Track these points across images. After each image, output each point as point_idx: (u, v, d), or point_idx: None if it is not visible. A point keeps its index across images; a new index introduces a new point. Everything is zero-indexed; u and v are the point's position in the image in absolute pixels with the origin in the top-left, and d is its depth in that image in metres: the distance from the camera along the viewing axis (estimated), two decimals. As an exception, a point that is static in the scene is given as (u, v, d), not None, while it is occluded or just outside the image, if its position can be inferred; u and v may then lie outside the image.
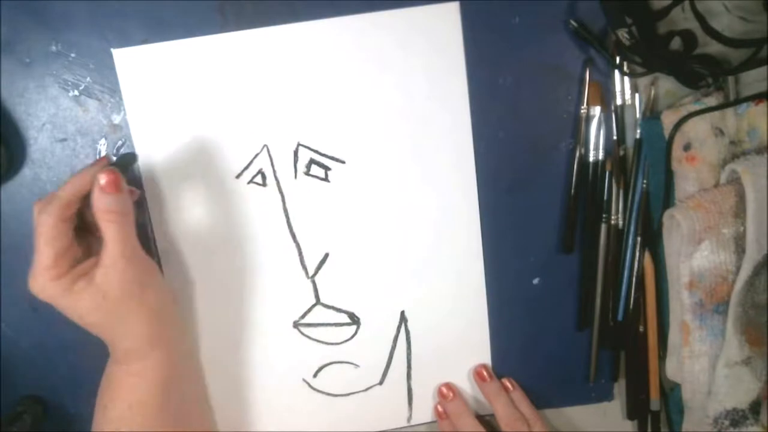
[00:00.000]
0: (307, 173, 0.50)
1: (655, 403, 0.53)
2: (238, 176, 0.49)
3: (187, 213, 0.49)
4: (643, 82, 0.49)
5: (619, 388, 0.56)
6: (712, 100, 0.47)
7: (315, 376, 0.53)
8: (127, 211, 0.42)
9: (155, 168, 0.49)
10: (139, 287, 0.43)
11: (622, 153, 0.50)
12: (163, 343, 0.45)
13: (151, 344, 0.44)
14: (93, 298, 0.41)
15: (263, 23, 0.47)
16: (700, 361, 0.49)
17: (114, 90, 0.48)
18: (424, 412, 0.55)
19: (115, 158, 0.47)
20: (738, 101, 0.47)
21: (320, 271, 0.51)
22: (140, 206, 0.49)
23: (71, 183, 0.42)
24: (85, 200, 0.42)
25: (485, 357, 0.54)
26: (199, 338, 0.52)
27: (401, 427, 0.55)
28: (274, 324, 0.52)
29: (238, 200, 0.49)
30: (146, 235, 0.50)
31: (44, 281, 0.40)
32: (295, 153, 0.49)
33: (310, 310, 0.52)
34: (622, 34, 0.45)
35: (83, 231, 0.43)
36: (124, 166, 0.45)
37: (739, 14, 0.46)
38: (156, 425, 0.45)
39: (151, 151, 0.48)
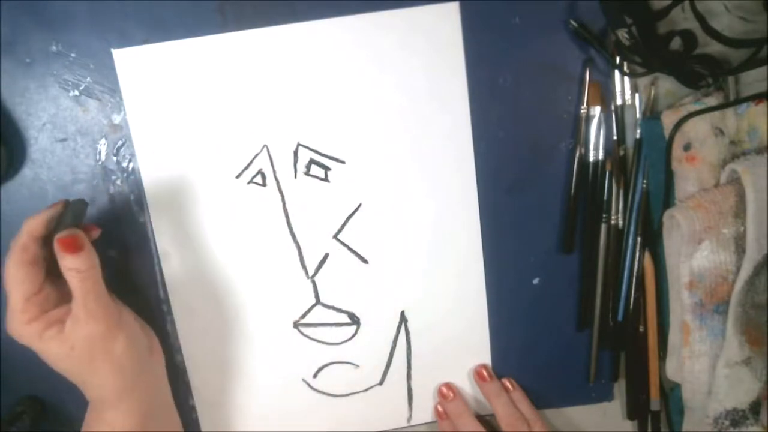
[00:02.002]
0: (307, 173, 0.50)
1: (655, 403, 0.53)
2: (238, 176, 0.49)
3: (187, 213, 0.49)
4: (643, 82, 0.49)
5: (619, 388, 0.56)
6: (712, 100, 0.47)
7: (315, 376, 0.53)
8: (90, 265, 0.41)
9: (155, 168, 0.49)
10: (105, 341, 0.42)
11: (622, 153, 0.50)
12: (134, 394, 0.44)
13: (119, 396, 0.43)
14: (61, 348, 0.41)
15: (263, 23, 0.47)
16: (700, 361, 0.49)
17: (114, 90, 0.48)
18: (424, 412, 0.55)
19: (68, 201, 0.44)
20: (738, 101, 0.47)
21: (320, 271, 0.51)
22: (140, 206, 0.49)
23: (26, 226, 0.42)
24: (47, 244, 0.42)
25: (485, 357, 0.54)
26: (199, 338, 0.52)
27: (401, 427, 0.55)
28: (274, 324, 0.52)
29: (238, 200, 0.49)
30: (146, 235, 0.50)
31: (17, 325, 0.41)
32: (295, 153, 0.49)
33: (310, 310, 0.52)
34: (622, 34, 0.45)
35: (58, 275, 0.42)
36: (78, 214, 0.43)
37: (739, 14, 0.46)
38: None
39: (151, 151, 0.48)
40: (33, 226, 0.42)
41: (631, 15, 0.45)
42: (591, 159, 0.50)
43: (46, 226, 0.42)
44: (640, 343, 0.52)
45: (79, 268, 0.41)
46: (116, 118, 0.48)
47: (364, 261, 0.51)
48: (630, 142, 0.50)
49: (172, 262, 0.50)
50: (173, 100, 0.47)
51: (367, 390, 0.54)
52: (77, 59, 0.47)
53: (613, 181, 0.50)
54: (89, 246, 0.42)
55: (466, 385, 0.55)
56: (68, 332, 0.41)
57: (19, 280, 0.41)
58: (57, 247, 0.40)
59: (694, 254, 0.47)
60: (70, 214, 0.43)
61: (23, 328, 0.41)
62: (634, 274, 0.51)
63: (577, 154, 0.50)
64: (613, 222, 0.50)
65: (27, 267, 0.41)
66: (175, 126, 0.48)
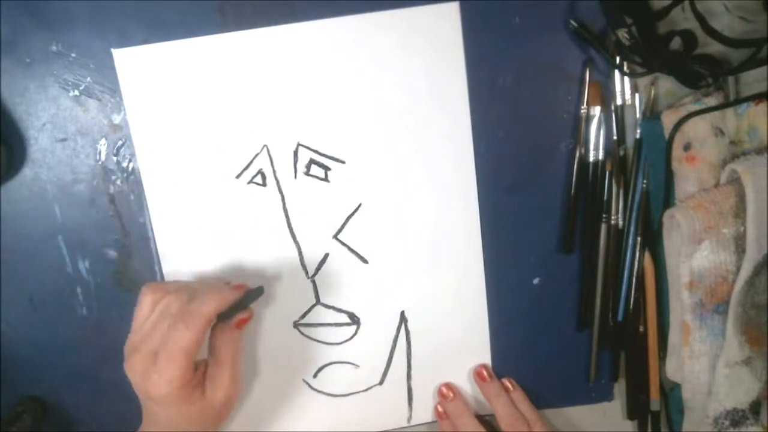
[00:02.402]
0: (307, 173, 0.50)
1: (655, 403, 0.53)
2: (238, 176, 0.49)
3: (187, 213, 0.49)
4: (643, 82, 0.49)
5: (619, 388, 0.56)
6: (712, 100, 0.47)
7: (315, 376, 0.53)
8: (240, 341, 0.45)
9: (155, 168, 0.49)
10: (233, 404, 0.45)
11: (622, 153, 0.50)
12: None
13: None
14: (203, 413, 0.43)
15: (263, 23, 0.47)
16: (701, 361, 0.49)
17: (114, 90, 0.48)
18: (424, 412, 0.55)
19: (250, 288, 0.47)
20: (738, 101, 0.47)
21: (320, 271, 0.51)
22: (140, 206, 0.49)
23: (214, 301, 0.42)
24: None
25: (485, 357, 0.54)
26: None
27: (401, 427, 0.55)
28: (274, 324, 0.52)
29: (238, 200, 0.49)
30: (146, 235, 0.50)
31: (170, 388, 0.41)
32: (295, 153, 0.49)
33: (310, 310, 0.52)
34: (622, 34, 0.45)
35: None
36: (254, 299, 0.46)
37: (739, 14, 0.46)
38: None
39: (151, 151, 0.48)
40: (222, 303, 0.43)
41: (631, 15, 0.45)
42: (591, 159, 0.50)
43: (231, 305, 0.44)
44: (640, 343, 0.52)
45: (240, 340, 0.45)
46: (116, 118, 0.48)
47: (364, 261, 0.51)
48: (630, 142, 0.50)
49: (172, 262, 0.50)
50: (173, 100, 0.47)
51: (367, 390, 0.54)
52: (77, 59, 0.47)
53: (613, 181, 0.50)
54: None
55: (466, 385, 0.55)
56: (210, 395, 0.43)
57: (194, 350, 0.41)
58: (235, 321, 0.44)
59: (694, 254, 0.47)
60: (250, 298, 0.46)
61: (175, 392, 0.41)
62: (634, 274, 0.51)
63: (577, 154, 0.50)
64: (613, 222, 0.50)
65: (203, 337, 0.42)
66: (175, 126, 0.48)
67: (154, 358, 0.41)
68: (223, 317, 0.44)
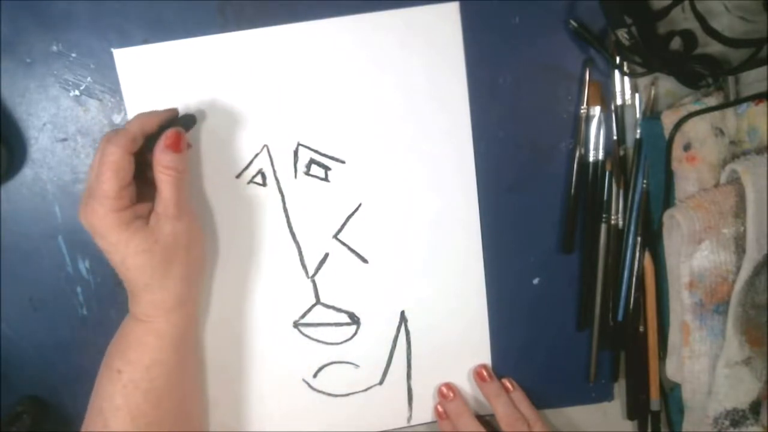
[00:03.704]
0: (307, 173, 0.50)
1: (655, 403, 0.53)
2: (238, 176, 0.49)
3: (188, 213, 0.49)
4: (643, 82, 0.49)
5: (619, 388, 0.56)
6: (712, 100, 0.47)
7: (315, 376, 0.53)
8: (185, 168, 0.43)
9: (155, 168, 0.49)
10: (187, 242, 0.44)
11: (622, 153, 0.50)
12: (187, 306, 0.45)
13: (177, 304, 0.44)
14: (145, 241, 0.42)
15: (263, 23, 0.47)
16: (701, 361, 0.49)
17: (114, 90, 0.48)
18: (424, 412, 0.55)
19: (178, 112, 0.47)
20: (738, 101, 0.47)
21: (320, 271, 0.51)
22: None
23: (138, 120, 0.42)
24: (146, 142, 0.42)
25: (485, 357, 0.54)
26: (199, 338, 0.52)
27: (401, 427, 0.55)
28: (274, 324, 0.52)
29: (238, 200, 0.49)
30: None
31: (105, 211, 0.40)
32: (295, 153, 0.49)
33: (310, 310, 0.52)
34: (622, 34, 0.45)
35: (137, 176, 0.43)
36: (186, 126, 0.45)
37: (739, 14, 0.46)
38: (173, 383, 0.45)
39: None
40: (146, 121, 0.42)
41: (631, 15, 0.45)
42: (591, 159, 0.50)
43: (158, 126, 0.43)
44: (640, 343, 0.52)
45: (177, 167, 0.42)
46: (116, 118, 0.48)
47: (364, 261, 0.51)
48: (630, 142, 0.50)
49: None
50: (173, 100, 0.47)
51: (367, 390, 0.54)
52: (78, 59, 0.47)
53: (613, 181, 0.50)
54: (187, 151, 0.43)
55: (466, 385, 0.55)
56: (153, 226, 0.42)
57: (122, 167, 0.40)
58: (162, 143, 0.42)
59: (694, 254, 0.47)
60: (180, 122, 0.44)
61: (111, 216, 0.40)
62: (634, 274, 0.51)
63: (577, 154, 0.50)
64: (613, 222, 0.50)
65: (130, 156, 0.41)
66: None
67: (91, 189, 0.41)
68: (154, 142, 0.42)
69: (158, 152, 0.42)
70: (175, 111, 0.46)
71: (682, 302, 0.48)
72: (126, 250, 0.41)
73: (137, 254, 0.42)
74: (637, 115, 0.49)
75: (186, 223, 0.43)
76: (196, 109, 0.48)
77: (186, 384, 0.47)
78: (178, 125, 0.43)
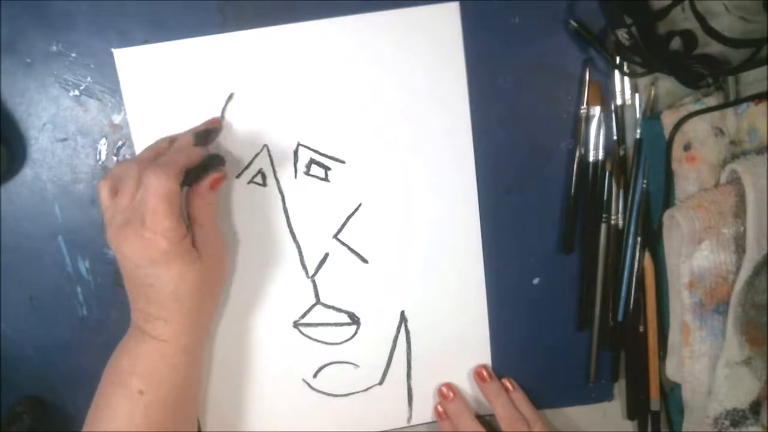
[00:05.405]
0: (307, 173, 0.50)
1: (655, 403, 0.53)
2: (238, 176, 0.49)
3: (188, 213, 0.49)
4: (643, 82, 0.49)
5: (619, 388, 0.56)
6: (712, 100, 0.47)
7: (315, 376, 0.53)
8: (217, 204, 0.46)
9: (155, 168, 0.49)
10: (223, 264, 0.47)
11: (622, 153, 0.50)
12: (202, 330, 0.47)
13: (212, 319, 0.47)
14: (201, 273, 0.43)
15: (263, 23, 0.47)
16: (701, 361, 0.49)
17: (114, 90, 0.48)
18: (424, 412, 0.55)
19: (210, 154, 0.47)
20: (738, 101, 0.48)
21: (320, 271, 0.51)
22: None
23: (186, 155, 0.43)
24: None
25: (485, 357, 0.54)
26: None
27: (401, 427, 0.55)
28: (274, 324, 0.52)
29: (238, 200, 0.49)
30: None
31: (168, 242, 0.40)
32: (295, 153, 0.49)
33: (310, 310, 0.52)
34: (622, 34, 0.45)
35: None
36: (219, 165, 0.46)
37: (739, 14, 0.46)
38: (191, 396, 0.47)
39: (152, 151, 0.48)
40: (193, 158, 0.43)
41: (631, 15, 0.45)
42: (591, 159, 0.50)
43: (197, 162, 0.44)
44: (640, 343, 0.52)
45: (215, 203, 0.45)
46: (116, 118, 0.48)
47: (364, 261, 0.51)
48: (630, 142, 0.50)
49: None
50: (173, 100, 0.48)
51: (367, 390, 0.54)
52: (78, 59, 0.47)
53: (613, 181, 0.50)
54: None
55: (466, 385, 0.55)
56: (203, 257, 0.43)
57: (174, 200, 0.41)
58: (207, 183, 0.44)
59: (694, 254, 0.47)
60: (215, 162, 0.45)
61: (174, 248, 0.41)
62: (634, 274, 0.51)
63: (577, 154, 0.50)
64: (613, 222, 0.50)
65: (179, 188, 0.41)
66: (175, 126, 0.48)
67: (141, 220, 0.40)
68: (190, 179, 0.43)
69: (204, 189, 0.44)
70: (207, 151, 0.45)
71: (682, 302, 0.48)
72: (180, 278, 0.42)
73: (190, 284, 0.42)
74: (637, 115, 0.49)
75: (225, 248, 0.47)
76: (196, 109, 0.48)
77: (199, 392, 0.49)
78: (214, 163, 0.45)
